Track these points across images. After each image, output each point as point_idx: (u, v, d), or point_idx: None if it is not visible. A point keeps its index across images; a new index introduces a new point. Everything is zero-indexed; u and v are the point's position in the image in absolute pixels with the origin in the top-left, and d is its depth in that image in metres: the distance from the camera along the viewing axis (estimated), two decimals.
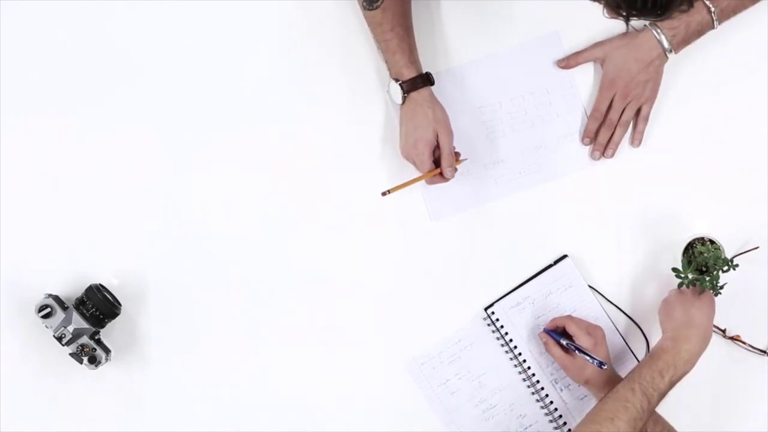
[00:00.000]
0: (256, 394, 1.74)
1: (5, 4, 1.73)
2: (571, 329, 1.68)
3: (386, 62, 1.67)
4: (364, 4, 1.64)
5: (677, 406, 1.70)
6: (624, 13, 1.30)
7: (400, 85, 1.65)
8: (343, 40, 1.74)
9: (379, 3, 1.62)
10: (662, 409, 1.65)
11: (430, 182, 1.70)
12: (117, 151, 1.74)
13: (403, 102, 1.66)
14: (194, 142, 1.74)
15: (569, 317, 1.71)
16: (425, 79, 1.66)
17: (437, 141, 1.65)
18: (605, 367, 1.64)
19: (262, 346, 1.74)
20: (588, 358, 1.65)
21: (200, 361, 1.73)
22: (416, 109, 1.65)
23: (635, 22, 1.71)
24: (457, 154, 1.68)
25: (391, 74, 1.67)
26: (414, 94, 1.65)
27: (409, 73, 1.65)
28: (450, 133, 1.66)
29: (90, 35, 1.74)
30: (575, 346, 1.66)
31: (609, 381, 1.66)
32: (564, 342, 1.68)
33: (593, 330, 1.68)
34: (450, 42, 1.73)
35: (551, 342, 1.70)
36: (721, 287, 1.62)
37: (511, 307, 1.74)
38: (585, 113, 1.76)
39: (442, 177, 1.66)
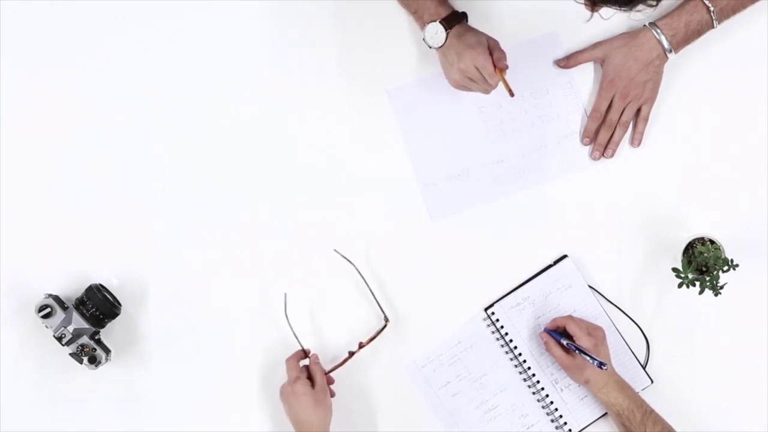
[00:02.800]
0: (256, 395, 1.73)
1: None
2: (572, 329, 1.67)
3: (416, 12, 1.65)
4: None
5: (677, 406, 1.70)
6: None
7: (440, 23, 1.61)
8: (340, 34, 1.75)
9: None
10: (662, 409, 1.65)
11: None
12: (117, 152, 1.74)
13: (446, 40, 1.62)
14: (193, 142, 1.75)
15: (570, 317, 1.70)
16: (462, 14, 1.64)
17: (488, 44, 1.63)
18: (605, 367, 1.64)
19: (261, 347, 1.73)
20: (588, 358, 1.64)
21: (200, 360, 1.73)
22: (462, 34, 1.62)
23: (634, 22, 1.72)
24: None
25: (425, 20, 1.63)
26: (457, 27, 1.62)
27: (445, 11, 1.62)
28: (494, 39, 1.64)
29: (90, 33, 1.75)
30: (576, 347, 1.66)
31: (609, 381, 1.66)
32: (565, 342, 1.68)
33: (594, 330, 1.68)
34: None
35: (552, 342, 1.69)
36: (721, 287, 1.62)
37: (511, 307, 1.74)
38: (585, 113, 1.76)
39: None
